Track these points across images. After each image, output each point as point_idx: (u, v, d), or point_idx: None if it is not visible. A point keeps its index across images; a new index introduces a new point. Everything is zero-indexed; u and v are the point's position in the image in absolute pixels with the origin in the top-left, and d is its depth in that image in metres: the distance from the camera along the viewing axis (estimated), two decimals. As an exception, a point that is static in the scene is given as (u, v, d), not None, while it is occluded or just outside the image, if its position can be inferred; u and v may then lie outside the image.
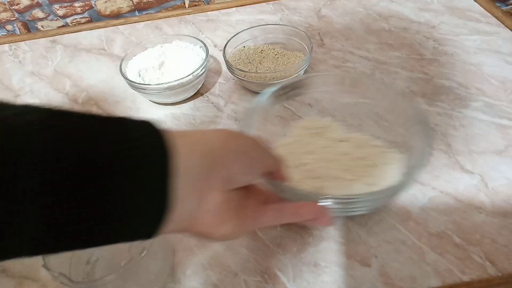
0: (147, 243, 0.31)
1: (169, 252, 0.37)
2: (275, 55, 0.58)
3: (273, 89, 0.43)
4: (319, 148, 0.44)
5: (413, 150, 0.37)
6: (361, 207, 0.35)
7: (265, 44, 0.60)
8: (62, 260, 0.35)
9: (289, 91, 0.45)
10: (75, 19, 0.84)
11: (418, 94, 0.52)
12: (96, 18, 0.84)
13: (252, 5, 0.78)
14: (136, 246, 0.30)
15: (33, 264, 0.39)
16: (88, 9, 0.83)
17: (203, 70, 0.55)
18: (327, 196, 0.32)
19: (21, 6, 0.80)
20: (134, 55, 0.59)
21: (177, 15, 0.78)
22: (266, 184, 0.34)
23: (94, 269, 0.37)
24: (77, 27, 0.79)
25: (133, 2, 0.82)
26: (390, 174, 0.39)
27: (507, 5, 0.90)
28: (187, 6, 0.81)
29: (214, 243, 0.38)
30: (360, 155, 0.42)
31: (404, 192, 0.35)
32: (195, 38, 0.59)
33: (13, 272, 0.39)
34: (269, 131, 0.51)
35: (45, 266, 0.30)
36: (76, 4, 0.81)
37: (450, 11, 0.68)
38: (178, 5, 0.83)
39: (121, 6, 0.82)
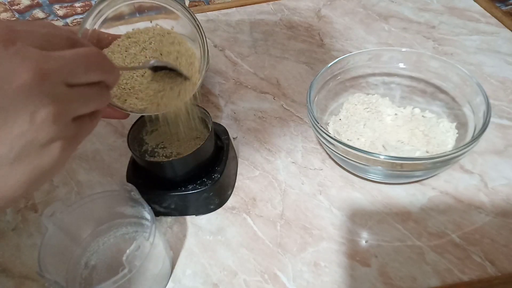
0: (146, 247, 0.31)
1: (168, 254, 0.37)
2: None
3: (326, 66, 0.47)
4: (374, 121, 0.46)
5: (467, 119, 0.42)
6: (423, 169, 0.37)
7: None
8: (59, 265, 0.35)
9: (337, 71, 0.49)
10: (76, 19, 0.84)
11: (418, 93, 0.52)
12: (96, 18, 0.84)
13: (252, 5, 0.78)
14: (133, 254, 0.30)
15: (33, 264, 0.40)
16: (88, 9, 0.83)
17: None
18: (393, 156, 0.35)
19: (22, 6, 0.80)
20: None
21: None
22: None
23: (92, 273, 0.37)
24: (78, 27, 0.79)
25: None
26: (446, 141, 0.43)
27: (507, 5, 0.90)
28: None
29: None
30: (415, 126, 0.45)
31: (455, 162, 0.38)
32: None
33: (13, 272, 0.39)
34: (268, 131, 0.51)
35: (39, 273, 0.30)
36: (77, 4, 0.81)
37: (450, 11, 0.68)
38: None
39: (121, 6, 0.82)
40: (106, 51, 0.40)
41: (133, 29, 0.42)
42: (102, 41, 0.40)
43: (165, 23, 0.45)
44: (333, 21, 0.70)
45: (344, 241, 0.38)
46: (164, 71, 0.38)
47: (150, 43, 0.42)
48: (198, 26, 0.42)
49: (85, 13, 0.36)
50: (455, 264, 0.35)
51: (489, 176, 0.42)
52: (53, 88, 0.20)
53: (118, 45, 0.41)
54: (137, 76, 0.40)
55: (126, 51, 0.41)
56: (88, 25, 0.39)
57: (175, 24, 0.45)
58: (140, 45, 0.41)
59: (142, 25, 0.44)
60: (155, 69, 0.37)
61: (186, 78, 0.39)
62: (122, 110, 0.37)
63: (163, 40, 0.42)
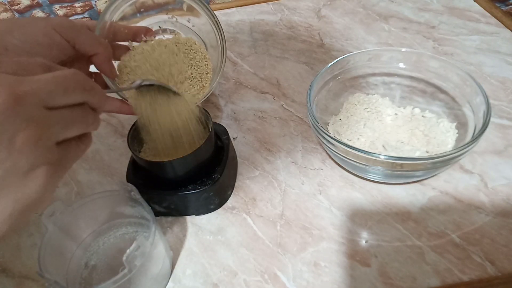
0: (146, 247, 0.31)
1: (168, 254, 0.37)
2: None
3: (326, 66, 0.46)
4: (374, 121, 0.46)
5: (467, 119, 0.42)
6: (423, 169, 0.37)
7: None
8: (59, 265, 0.35)
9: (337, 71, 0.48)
10: (75, 19, 0.84)
11: (418, 93, 0.52)
12: (96, 18, 0.84)
13: (252, 5, 0.78)
14: (133, 254, 0.30)
15: (33, 264, 0.40)
16: (88, 9, 0.83)
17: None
18: (393, 156, 0.35)
19: (21, 6, 0.80)
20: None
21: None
22: None
23: (92, 273, 0.37)
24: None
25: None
26: (446, 141, 0.43)
27: (507, 5, 0.90)
28: (187, 6, 0.81)
29: None
30: (415, 126, 0.45)
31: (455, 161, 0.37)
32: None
33: (13, 272, 0.39)
34: (268, 131, 0.51)
35: (39, 273, 0.30)
36: (77, 4, 0.81)
37: (449, 11, 0.68)
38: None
39: (121, 6, 0.82)
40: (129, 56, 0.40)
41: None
42: (118, 34, 0.40)
43: (184, 21, 0.45)
44: (333, 21, 0.70)
45: (344, 241, 0.38)
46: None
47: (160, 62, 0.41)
48: (219, 29, 0.41)
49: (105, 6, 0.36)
50: (455, 264, 0.35)
51: (489, 176, 0.42)
52: (30, 111, 0.19)
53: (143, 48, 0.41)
54: (151, 73, 0.40)
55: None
56: (107, 18, 0.39)
57: (196, 23, 0.45)
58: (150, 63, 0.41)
59: (158, 18, 0.44)
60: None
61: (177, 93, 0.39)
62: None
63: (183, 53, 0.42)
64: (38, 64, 0.23)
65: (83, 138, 0.24)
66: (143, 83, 0.35)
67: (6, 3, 0.79)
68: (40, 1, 0.79)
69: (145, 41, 0.42)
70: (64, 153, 0.22)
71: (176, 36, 0.43)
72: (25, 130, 0.19)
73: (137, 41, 0.42)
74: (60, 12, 0.82)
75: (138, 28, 0.42)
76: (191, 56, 0.42)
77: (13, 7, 0.80)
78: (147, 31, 0.42)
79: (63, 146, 0.22)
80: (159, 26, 0.45)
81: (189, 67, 0.42)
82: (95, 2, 0.81)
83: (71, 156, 0.23)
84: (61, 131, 0.22)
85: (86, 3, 0.81)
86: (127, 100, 0.38)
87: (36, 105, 0.20)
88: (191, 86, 0.41)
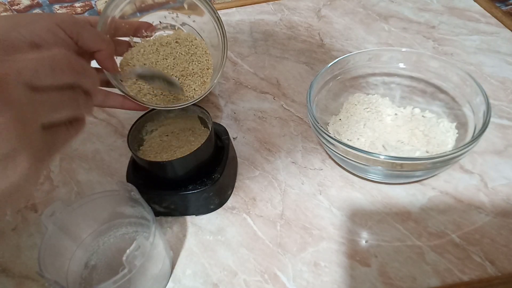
0: (146, 247, 0.31)
1: (168, 254, 0.37)
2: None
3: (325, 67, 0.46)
4: (374, 121, 0.47)
5: (467, 119, 0.42)
6: (423, 169, 0.37)
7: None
8: (59, 265, 0.35)
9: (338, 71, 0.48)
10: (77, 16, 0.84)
11: (418, 93, 0.52)
12: (96, 18, 0.84)
13: (252, 5, 0.78)
14: (133, 254, 0.30)
15: (33, 264, 0.40)
16: (88, 9, 0.83)
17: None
18: (393, 156, 0.35)
19: (21, 6, 0.80)
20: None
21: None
22: None
23: (92, 273, 0.37)
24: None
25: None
26: (446, 141, 0.43)
27: (507, 5, 0.90)
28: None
29: None
30: (415, 126, 0.45)
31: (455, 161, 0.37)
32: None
33: (13, 272, 0.39)
34: (268, 131, 0.51)
35: (39, 273, 0.30)
36: (77, 4, 0.81)
37: (449, 11, 0.68)
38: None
39: (121, 6, 0.82)
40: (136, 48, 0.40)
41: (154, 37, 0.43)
42: (119, 29, 0.40)
43: (185, 17, 0.45)
44: (333, 21, 0.70)
45: (344, 241, 0.38)
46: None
47: (165, 58, 0.42)
48: (221, 27, 0.42)
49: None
50: (455, 264, 0.35)
51: (489, 176, 0.42)
52: (12, 92, 0.18)
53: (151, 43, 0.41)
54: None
55: (157, 49, 0.41)
56: (108, 13, 0.39)
57: (199, 21, 0.45)
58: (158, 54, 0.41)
59: (158, 14, 0.45)
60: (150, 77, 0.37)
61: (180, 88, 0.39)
62: (136, 101, 0.38)
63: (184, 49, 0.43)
64: (27, 42, 0.21)
65: (75, 123, 0.23)
66: (143, 72, 0.35)
67: (6, 3, 0.79)
68: (40, 1, 0.79)
69: (146, 36, 0.42)
70: (51, 138, 0.21)
71: (177, 31, 0.43)
72: (5, 113, 0.17)
73: (138, 37, 0.42)
74: (60, 12, 0.82)
75: (139, 24, 0.42)
76: (192, 52, 0.42)
77: (13, 7, 0.80)
78: (149, 26, 0.42)
79: (50, 130, 0.21)
80: (160, 22, 0.44)
81: (190, 63, 0.42)
82: (95, 2, 0.81)
83: (59, 141, 0.21)
84: (47, 114, 0.20)
85: (86, 3, 0.81)
86: (129, 96, 0.38)
87: (20, 85, 0.18)
88: (193, 82, 0.41)
